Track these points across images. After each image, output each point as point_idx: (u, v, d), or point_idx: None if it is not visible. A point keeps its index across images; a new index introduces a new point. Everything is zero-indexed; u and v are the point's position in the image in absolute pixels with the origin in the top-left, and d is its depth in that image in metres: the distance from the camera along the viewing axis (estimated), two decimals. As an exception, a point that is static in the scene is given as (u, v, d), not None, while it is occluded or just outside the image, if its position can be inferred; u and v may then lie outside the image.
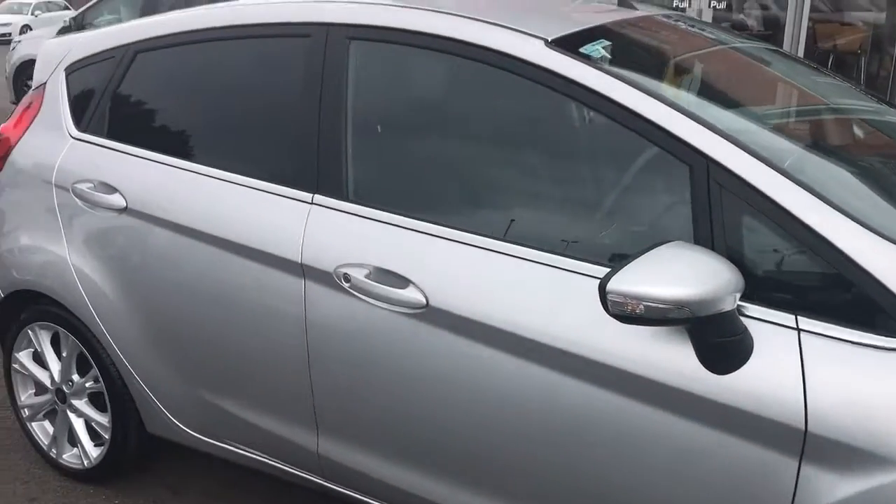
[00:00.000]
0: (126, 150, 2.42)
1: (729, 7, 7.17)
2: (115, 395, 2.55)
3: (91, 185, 2.43)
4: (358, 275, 1.94)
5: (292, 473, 2.29)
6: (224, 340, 2.23)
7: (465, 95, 2.08)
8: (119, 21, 9.70)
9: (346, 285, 1.96)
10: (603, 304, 1.49)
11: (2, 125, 2.80)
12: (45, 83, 2.70)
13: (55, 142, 2.58)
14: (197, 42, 2.37)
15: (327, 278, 2.00)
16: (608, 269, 1.56)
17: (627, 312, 1.47)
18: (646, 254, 1.50)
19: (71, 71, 2.64)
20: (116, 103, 2.50)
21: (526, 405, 1.77)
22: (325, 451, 2.16)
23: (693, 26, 2.63)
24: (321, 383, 2.08)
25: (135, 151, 2.40)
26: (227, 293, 2.19)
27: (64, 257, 2.49)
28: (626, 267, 1.48)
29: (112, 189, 2.38)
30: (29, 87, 9.16)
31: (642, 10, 2.47)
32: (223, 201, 2.20)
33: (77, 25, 9.85)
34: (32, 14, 25.65)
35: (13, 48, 10.45)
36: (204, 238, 2.20)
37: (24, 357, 2.79)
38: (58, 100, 2.63)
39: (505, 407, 1.81)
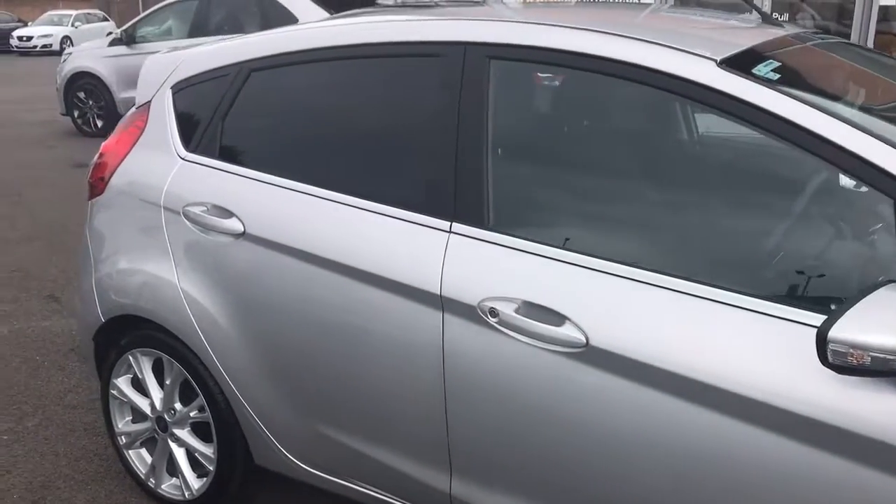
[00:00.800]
0: (241, 173, 2.33)
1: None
2: (222, 426, 2.46)
3: (204, 208, 2.34)
4: (506, 309, 1.83)
5: (417, 513, 2.18)
6: (349, 373, 2.12)
7: (619, 118, 1.97)
8: (170, 33, 9.76)
9: (492, 320, 1.85)
10: (820, 353, 1.36)
11: (103, 144, 2.73)
12: (150, 102, 2.62)
13: (163, 163, 2.50)
14: (317, 61, 2.28)
15: (470, 312, 1.89)
16: (806, 312, 1.43)
17: (849, 363, 1.33)
18: (866, 297, 1.36)
19: (178, 89, 2.56)
20: (229, 124, 2.41)
21: (702, 456, 1.64)
22: (459, 492, 2.04)
23: (838, 45, 2.49)
24: (458, 422, 1.97)
25: (251, 174, 2.31)
26: (355, 324, 2.08)
27: (173, 282, 2.41)
28: (846, 313, 1.35)
29: (228, 213, 2.29)
30: (80, 99, 9.25)
31: (776, 28, 2.34)
32: (351, 228, 2.10)
33: (128, 38, 9.91)
34: (73, 26, 26.02)
35: (64, 60, 10.53)
36: (329, 266, 2.10)
37: (122, 383, 2.71)
38: (164, 119, 2.55)
39: (676, 457, 1.68)
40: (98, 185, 2.67)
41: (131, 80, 9.89)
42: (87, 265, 2.72)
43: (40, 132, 10.71)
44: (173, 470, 2.68)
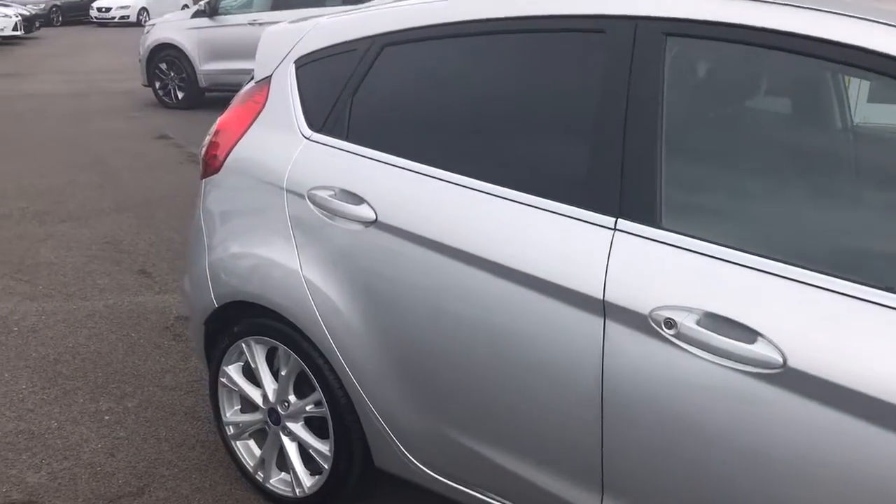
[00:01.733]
0: (373, 156, 2.16)
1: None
2: (341, 423, 2.32)
3: (331, 192, 2.19)
4: (686, 321, 1.63)
5: (556, 532, 2.00)
6: (489, 378, 1.95)
7: (822, 108, 1.73)
8: (252, 6, 9.69)
9: (667, 332, 1.65)
10: None
11: (218, 120, 2.59)
12: (271, 76, 2.47)
13: (285, 143, 2.35)
14: (459, 36, 2.09)
15: (639, 322, 1.69)
16: None
17: None
18: None
19: (302, 64, 2.40)
20: (359, 102, 2.25)
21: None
22: (610, 516, 1.86)
23: None
24: (616, 440, 1.78)
25: (383, 158, 2.14)
26: (498, 325, 1.90)
27: (294, 269, 2.26)
28: None
29: (358, 199, 2.13)
30: (161, 70, 9.29)
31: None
32: (498, 221, 1.91)
33: (210, 10, 9.88)
34: (149, -3, 26.27)
35: (147, 31, 10.56)
36: (472, 261, 1.92)
37: (233, 371, 2.59)
38: (287, 96, 2.40)
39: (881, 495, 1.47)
40: (212, 162, 2.55)
41: (212, 53, 9.99)
42: (198, 246, 2.60)
43: (123, 102, 10.81)
44: (283, 465, 2.56)
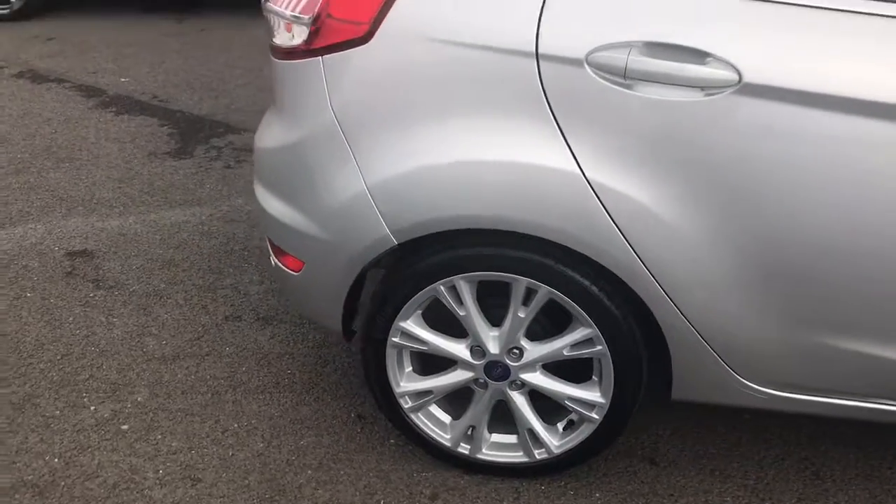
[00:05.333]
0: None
1: None
2: (626, 359, 1.76)
3: (634, 49, 1.49)
4: None
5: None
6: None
7: None
8: None
9: None
10: None
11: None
12: None
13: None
14: None
15: None
16: None
17: None
18: None
19: None
20: None
21: None
22: None
23: None
24: None
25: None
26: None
27: (569, 172, 1.57)
28: None
29: (696, 54, 1.47)
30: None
31: None
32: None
33: None
34: None
35: None
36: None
37: (413, 325, 1.84)
38: None
39: None
40: (343, 30, 1.65)
41: None
42: (330, 164, 1.73)
43: None
44: (496, 427, 1.94)
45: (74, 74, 4.92)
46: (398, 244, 1.73)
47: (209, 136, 4.02)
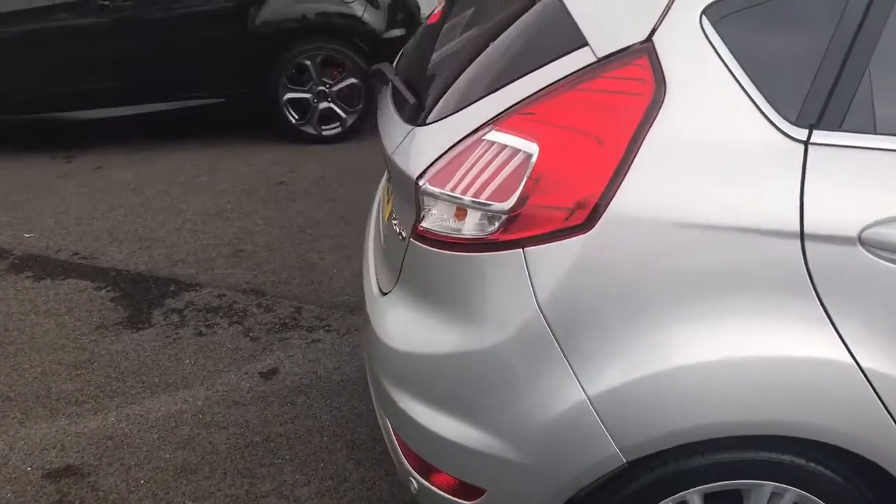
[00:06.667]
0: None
1: None
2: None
3: (907, 222, 1.33)
4: None
5: None
6: None
7: None
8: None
9: None
10: None
11: (528, 146, 1.39)
12: (650, 42, 1.38)
13: (747, 152, 1.36)
14: None
15: None
16: None
17: None
18: None
19: (720, 17, 1.38)
20: (883, 65, 1.37)
21: None
22: None
23: None
24: None
25: None
26: None
27: (844, 363, 1.36)
28: None
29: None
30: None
31: None
32: None
33: None
34: None
35: None
36: None
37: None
38: (709, 71, 1.37)
39: None
40: (555, 216, 1.38)
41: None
42: (538, 372, 1.43)
43: None
44: None
45: (-38, 234, 4.24)
46: (627, 462, 1.44)
47: (161, 297, 3.50)
